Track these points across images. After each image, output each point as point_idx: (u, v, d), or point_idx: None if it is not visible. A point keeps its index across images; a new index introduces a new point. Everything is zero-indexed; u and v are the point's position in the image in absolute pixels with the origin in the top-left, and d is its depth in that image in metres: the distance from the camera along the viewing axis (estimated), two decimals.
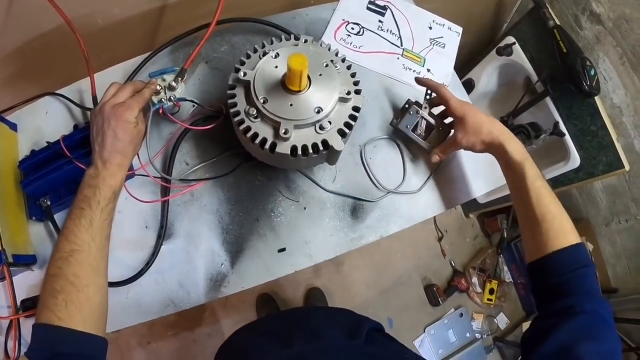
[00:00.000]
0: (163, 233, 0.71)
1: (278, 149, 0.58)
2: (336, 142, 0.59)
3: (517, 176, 0.63)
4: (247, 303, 1.83)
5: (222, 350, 0.73)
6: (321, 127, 0.59)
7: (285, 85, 0.59)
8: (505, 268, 2.01)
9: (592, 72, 1.09)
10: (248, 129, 0.59)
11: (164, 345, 1.77)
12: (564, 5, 1.32)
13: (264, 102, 0.58)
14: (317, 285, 1.89)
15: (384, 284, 1.96)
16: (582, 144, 1.24)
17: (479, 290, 1.98)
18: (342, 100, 0.61)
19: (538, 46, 1.28)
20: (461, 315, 1.97)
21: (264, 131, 0.59)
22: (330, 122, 0.59)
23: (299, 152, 0.58)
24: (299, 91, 0.59)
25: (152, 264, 0.70)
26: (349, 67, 0.65)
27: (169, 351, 1.77)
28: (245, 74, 0.60)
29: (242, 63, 0.63)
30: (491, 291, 1.97)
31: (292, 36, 0.67)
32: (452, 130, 0.74)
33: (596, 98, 1.15)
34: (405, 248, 2.01)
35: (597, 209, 1.55)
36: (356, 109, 0.61)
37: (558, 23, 1.20)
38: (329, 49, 0.66)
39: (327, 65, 0.62)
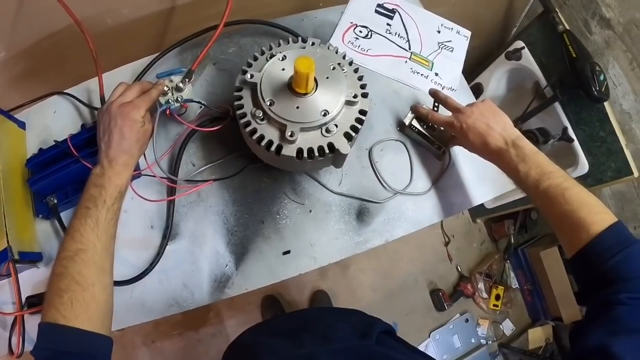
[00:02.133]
0: (168, 233, 0.72)
1: (284, 152, 0.58)
2: (342, 145, 0.59)
3: (521, 187, 0.63)
4: (252, 304, 1.84)
5: (231, 348, 0.73)
6: (327, 130, 0.59)
7: (291, 88, 0.59)
8: (512, 274, 2.01)
9: (602, 78, 1.09)
10: (254, 131, 0.59)
11: (169, 344, 1.78)
12: (573, 10, 1.32)
13: (270, 105, 0.59)
14: (322, 288, 1.89)
15: (390, 287, 1.96)
16: (590, 149, 1.24)
17: (485, 295, 1.98)
18: (349, 103, 0.61)
19: (547, 51, 1.28)
20: (467, 320, 1.97)
21: (270, 133, 0.59)
22: (336, 125, 0.60)
23: (305, 154, 0.58)
24: (306, 94, 0.60)
25: (156, 263, 0.71)
26: (356, 70, 0.65)
27: (173, 350, 1.78)
28: (252, 76, 0.61)
29: (249, 65, 0.64)
30: (497, 297, 1.96)
31: (300, 39, 0.67)
32: None
33: (605, 104, 1.15)
34: (412, 252, 2.02)
35: None
36: (363, 112, 0.62)
37: (567, 28, 1.20)
38: (336, 52, 0.67)
39: (334, 68, 0.63)
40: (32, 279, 0.71)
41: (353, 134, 0.60)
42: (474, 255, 2.10)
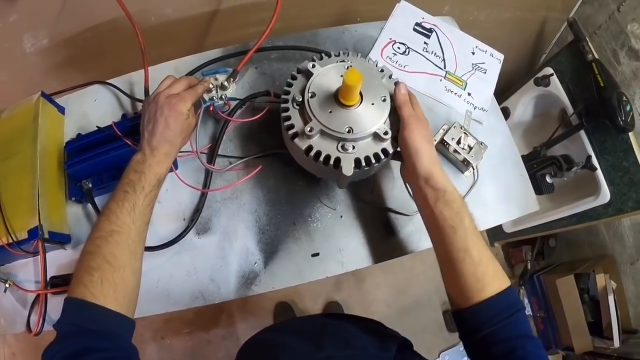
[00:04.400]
0: (202, 204, 0.75)
1: (343, 164, 0.60)
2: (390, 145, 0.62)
3: (454, 213, 0.59)
4: (265, 309, 1.86)
5: (248, 345, 0.74)
6: (379, 138, 0.61)
7: (339, 101, 0.61)
8: (526, 300, 2.01)
9: (628, 108, 1.11)
10: (310, 148, 0.60)
11: (178, 342, 1.80)
12: (603, 40, 1.36)
13: (322, 121, 0.60)
14: (336, 299, 1.92)
15: (404, 304, 1.98)
16: (613, 179, 1.26)
17: None
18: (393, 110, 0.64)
19: (575, 78, 1.31)
20: None
21: (326, 148, 0.60)
22: (386, 132, 0.61)
23: (363, 163, 0.60)
24: (353, 105, 0.61)
25: (186, 234, 0.74)
26: (390, 77, 0.68)
27: (182, 349, 1.80)
28: (299, 96, 0.63)
29: (290, 85, 0.65)
30: None
31: (340, 53, 0.69)
32: None
33: (630, 134, 1.18)
34: (428, 270, 2.03)
35: (624, 247, 1.55)
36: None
37: (597, 57, 1.23)
38: (376, 65, 0.69)
39: (375, 79, 0.65)
40: (57, 260, 0.74)
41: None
42: None
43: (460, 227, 0.57)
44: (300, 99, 0.63)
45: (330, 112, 0.61)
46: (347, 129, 0.60)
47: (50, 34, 1.04)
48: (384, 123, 0.62)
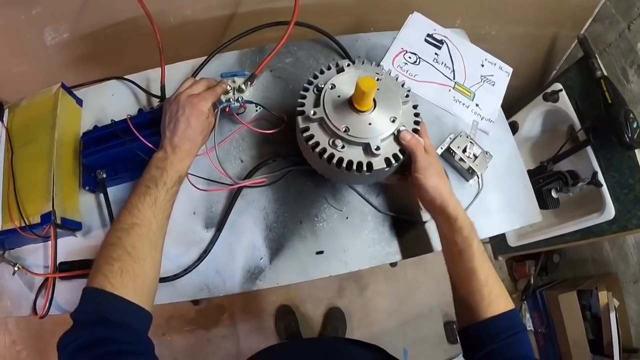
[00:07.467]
0: (219, 233, 0.78)
1: (375, 166, 0.63)
2: None
3: (463, 238, 0.65)
4: (266, 312, 1.89)
5: None
6: (399, 132, 0.65)
7: (355, 108, 0.65)
8: (528, 315, 2.02)
9: (635, 125, 1.13)
10: (341, 160, 0.63)
11: (178, 339, 1.83)
12: (613, 57, 1.38)
13: (346, 131, 0.63)
14: (338, 305, 1.94)
15: (405, 314, 2.01)
16: (618, 196, 1.28)
17: None
18: (404, 103, 0.68)
19: (584, 95, 1.34)
20: None
21: (355, 156, 0.64)
22: (404, 126, 0.66)
23: (392, 161, 0.64)
24: (367, 111, 0.65)
25: (202, 260, 0.76)
26: (389, 73, 0.72)
27: (182, 346, 1.83)
28: (315, 113, 0.65)
29: (302, 104, 0.68)
30: None
31: (335, 64, 0.72)
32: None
33: (636, 151, 1.20)
34: (430, 281, 2.06)
35: (627, 265, 1.56)
36: (416, 106, 0.69)
37: (605, 74, 1.25)
38: (371, 64, 0.73)
39: (378, 79, 0.67)
40: (66, 247, 0.77)
41: (418, 128, 0.67)
42: None
43: (469, 250, 0.64)
44: (318, 115, 0.65)
45: (348, 120, 0.64)
46: (368, 134, 0.64)
47: (71, 29, 1.08)
48: (401, 114, 0.66)
